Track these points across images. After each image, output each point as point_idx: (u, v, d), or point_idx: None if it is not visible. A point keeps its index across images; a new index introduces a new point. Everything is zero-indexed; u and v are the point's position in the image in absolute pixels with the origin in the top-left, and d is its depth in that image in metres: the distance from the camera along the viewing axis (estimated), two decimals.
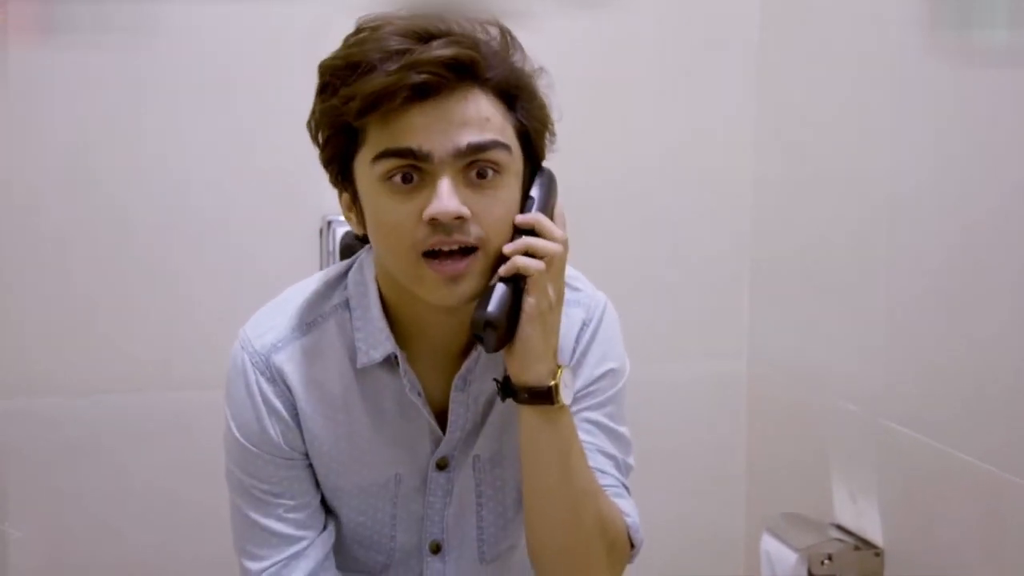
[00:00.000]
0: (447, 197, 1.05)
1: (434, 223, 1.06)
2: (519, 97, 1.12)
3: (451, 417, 1.21)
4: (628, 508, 1.23)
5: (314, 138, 1.14)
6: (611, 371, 1.26)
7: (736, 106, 1.97)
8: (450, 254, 1.08)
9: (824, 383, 1.80)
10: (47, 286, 1.77)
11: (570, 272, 1.21)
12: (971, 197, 1.45)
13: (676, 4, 1.93)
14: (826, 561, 1.67)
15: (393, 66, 1.05)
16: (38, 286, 1.76)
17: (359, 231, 1.16)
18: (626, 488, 1.26)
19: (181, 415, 1.80)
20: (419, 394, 1.20)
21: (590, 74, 1.90)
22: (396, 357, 1.18)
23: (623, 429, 1.27)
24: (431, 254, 1.08)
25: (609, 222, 1.94)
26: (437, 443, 1.23)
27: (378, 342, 1.18)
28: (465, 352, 1.21)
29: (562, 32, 1.82)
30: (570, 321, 1.22)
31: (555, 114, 1.15)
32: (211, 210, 1.80)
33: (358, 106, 1.06)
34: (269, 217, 1.80)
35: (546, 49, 1.85)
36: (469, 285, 1.09)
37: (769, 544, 1.76)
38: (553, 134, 1.16)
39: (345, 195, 1.16)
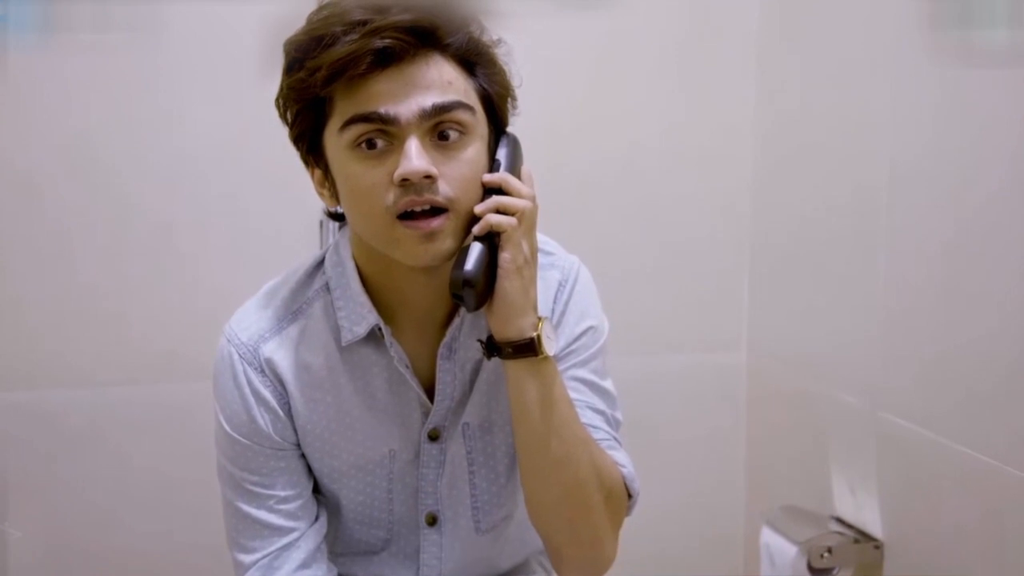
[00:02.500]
0: (415, 157, 1.08)
1: (404, 184, 1.09)
2: (479, 63, 1.15)
3: (438, 386, 1.23)
4: (623, 459, 1.25)
5: (283, 116, 1.16)
6: (591, 328, 1.28)
7: (735, 98, 1.97)
8: (423, 213, 1.10)
9: (824, 375, 1.80)
10: (48, 281, 1.76)
11: (541, 238, 1.24)
12: (970, 195, 1.45)
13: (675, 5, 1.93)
14: (826, 554, 1.67)
15: (355, 35, 1.07)
16: (39, 281, 1.76)
17: (332, 206, 1.19)
18: (618, 442, 1.27)
19: (183, 407, 1.80)
20: (407, 366, 1.22)
21: (589, 66, 1.91)
22: (380, 330, 1.20)
23: (607, 384, 1.29)
24: (404, 216, 1.10)
25: (607, 212, 1.94)
26: (427, 414, 1.25)
27: (361, 316, 1.21)
28: (448, 321, 1.23)
29: (562, 25, 1.82)
30: (547, 283, 1.26)
31: (515, 81, 1.18)
32: (211, 205, 1.80)
33: (324, 75, 1.08)
34: (269, 211, 1.80)
35: (547, 40, 1.85)
36: (443, 243, 1.12)
37: (769, 537, 1.76)
38: (515, 99, 1.19)
39: (317, 171, 1.18)
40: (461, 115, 1.12)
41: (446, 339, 1.22)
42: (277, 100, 1.16)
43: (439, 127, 1.11)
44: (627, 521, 2.03)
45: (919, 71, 1.53)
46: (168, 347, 1.80)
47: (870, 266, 1.66)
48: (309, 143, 1.16)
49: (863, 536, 1.69)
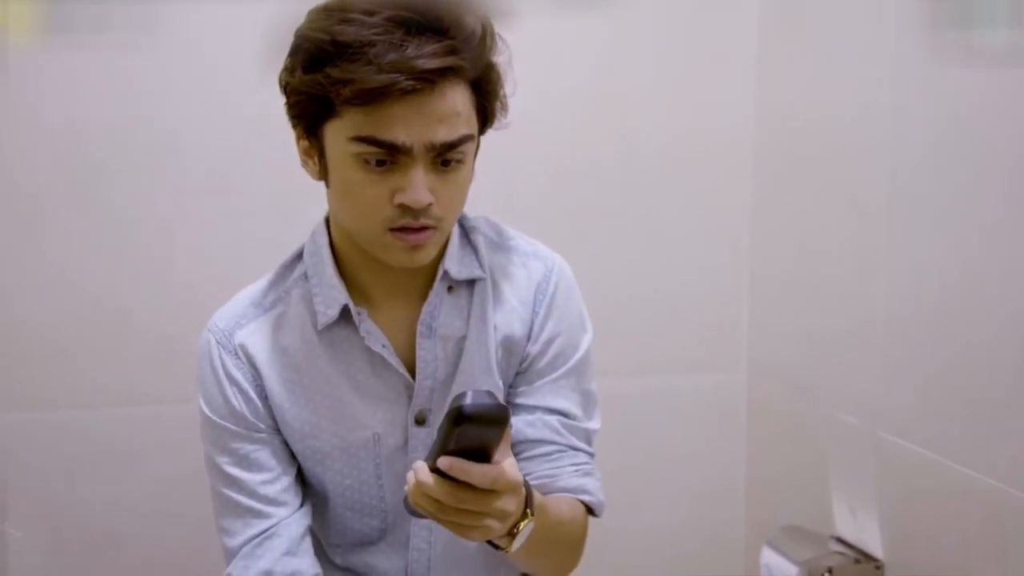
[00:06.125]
0: (419, 188, 1.13)
1: (403, 207, 1.14)
2: (486, 82, 1.18)
3: (419, 364, 1.26)
4: (592, 486, 1.30)
5: (286, 94, 1.18)
6: (575, 328, 1.32)
7: (735, 113, 1.96)
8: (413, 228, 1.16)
9: (824, 395, 1.79)
10: (47, 296, 1.75)
11: (521, 237, 1.33)
12: (972, 200, 1.44)
13: (674, 8, 1.93)
14: (826, 574, 1.66)
15: (384, 60, 1.09)
16: (38, 296, 1.75)
17: (316, 177, 1.23)
18: (589, 455, 1.32)
19: (182, 425, 1.78)
20: (384, 345, 1.24)
21: (587, 82, 1.90)
22: (351, 309, 1.24)
23: (590, 386, 1.34)
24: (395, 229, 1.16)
25: (607, 232, 1.94)
26: (412, 396, 1.27)
27: (332, 299, 1.25)
28: (426, 298, 1.26)
29: (558, 35, 1.83)
30: (529, 272, 1.31)
31: (509, 88, 1.21)
32: (210, 218, 1.79)
33: (348, 95, 1.10)
34: (270, 226, 1.79)
35: (541, 52, 1.85)
36: (427, 253, 1.19)
37: (769, 557, 1.75)
38: (506, 109, 1.22)
39: (304, 142, 1.21)
40: (464, 147, 1.16)
41: (423, 315, 1.25)
42: (281, 77, 1.18)
43: (442, 156, 1.15)
44: (627, 541, 2.02)
45: (920, 76, 1.53)
46: (167, 367, 1.79)
47: (870, 286, 1.66)
48: (307, 124, 1.18)
49: (864, 556, 1.68)
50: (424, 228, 1.16)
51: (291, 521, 1.26)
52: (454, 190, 1.18)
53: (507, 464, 1.03)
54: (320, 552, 1.35)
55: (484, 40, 1.16)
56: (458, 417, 0.96)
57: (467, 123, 1.16)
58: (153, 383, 1.80)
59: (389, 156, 1.13)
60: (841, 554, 1.69)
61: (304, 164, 1.23)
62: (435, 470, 1.01)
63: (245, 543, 1.25)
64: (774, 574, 1.73)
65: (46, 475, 1.78)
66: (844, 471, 1.74)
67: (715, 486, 2.04)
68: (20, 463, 1.77)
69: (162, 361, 1.79)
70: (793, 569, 1.69)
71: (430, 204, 1.14)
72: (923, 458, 1.54)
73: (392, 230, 1.16)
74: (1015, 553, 1.39)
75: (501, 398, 1.31)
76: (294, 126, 1.20)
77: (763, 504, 2.00)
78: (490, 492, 1.02)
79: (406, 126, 1.12)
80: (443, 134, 1.13)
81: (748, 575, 1.98)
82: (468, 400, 0.96)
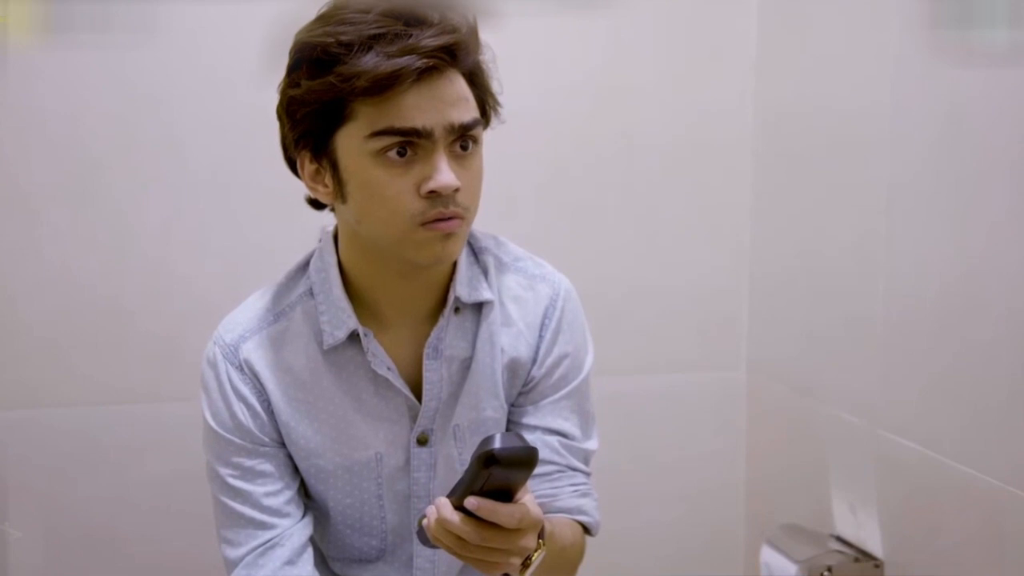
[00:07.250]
0: (446, 171, 1.14)
1: (433, 195, 1.14)
2: (477, 74, 1.20)
3: (426, 385, 1.26)
4: (590, 508, 1.32)
5: (289, 115, 1.18)
6: (579, 351, 1.34)
7: (735, 112, 1.96)
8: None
9: (823, 394, 1.79)
10: (47, 295, 1.75)
11: (532, 257, 1.33)
12: (971, 200, 1.44)
13: (674, 8, 1.92)
14: (826, 573, 1.66)
15: (392, 48, 1.11)
16: (38, 295, 1.75)
17: (328, 200, 1.22)
18: (586, 475, 1.34)
19: (181, 424, 1.78)
20: (389, 368, 1.24)
21: (587, 82, 1.90)
22: (359, 331, 1.23)
23: (589, 406, 1.35)
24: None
25: (607, 231, 1.94)
26: (415, 417, 1.27)
27: (341, 321, 1.24)
28: (433, 320, 1.26)
29: (557, 35, 1.83)
30: (537, 296, 1.31)
31: (495, 86, 1.23)
32: (209, 218, 1.79)
33: (363, 86, 1.11)
34: (269, 226, 1.80)
35: (542, 51, 1.84)
36: (456, 245, 1.19)
37: (768, 555, 1.75)
38: (498, 105, 1.24)
39: (311, 166, 1.20)
40: (477, 131, 1.18)
41: (431, 338, 1.25)
42: (284, 98, 1.18)
43: (458, 140, 1.16)
44: (627, 541, 2.02)
45: (920, 76, 1.52)
46: (166, 367, 1.79)
47: (869, 284, 1.65)
48: (315, 143, 1.18)
49: (863, 555, 1.68)
50: (454, 216, 1.16)
51: (294, 531, 1.26)
52: (474, 178, 1.18)
53: (529, 501, 1.05)
54: (323, 562, 1.36)
55: (473, 32, 1.19)
56: (488, 460, 0.98)
57: (475, 109, 1.18)
58: (153, 382, 1.80)
59: (409, 145, 1.14)
60: (840, 553, 1.69)
61: (313, 191, 1.22)
62: (459, 508, 1.03)
63: (248, 553, 1.25)
64: (774, 573, 1.73)
65: (46, 474, 1.78)
66: (844, 470, 1.74)
67: (715, 485, 2.03)
68: (20, 462, 1.77)
69: (162, 360, 1.79)
70: (792, 568, 1.68)
71: (457, 190, 1.15)
72: (923, 457, 1.54)
73: (423, 224, 1.15)
74: (1015, 553, 1.39)
75: (504, 417, 1.32)
76: (299, 150, 1.19)
77: (763, 503, 2.00)
78: (515, 531, 1.04)
79: (421, 112, 1.13)
80: (458, 115, 1.15)
81: (748, 574, 1.99)
82: (497, 444, 0.98)
